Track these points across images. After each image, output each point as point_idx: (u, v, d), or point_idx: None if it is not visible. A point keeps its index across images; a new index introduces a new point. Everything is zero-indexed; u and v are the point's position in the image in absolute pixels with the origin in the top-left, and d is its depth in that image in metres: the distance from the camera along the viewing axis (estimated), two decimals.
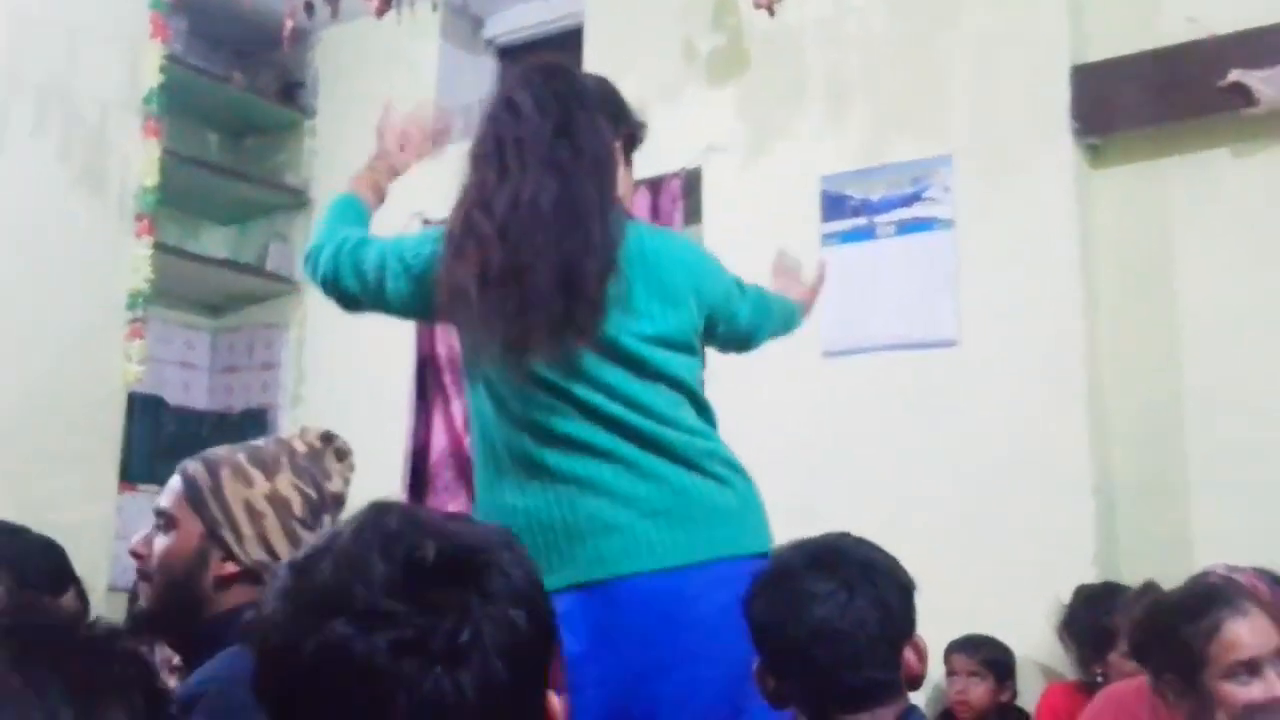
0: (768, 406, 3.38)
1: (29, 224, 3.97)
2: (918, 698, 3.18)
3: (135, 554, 1.57)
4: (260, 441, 1.59)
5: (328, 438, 1.61)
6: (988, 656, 3.03)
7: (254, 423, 4.76)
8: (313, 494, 1.54)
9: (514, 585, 0.80)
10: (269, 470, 1.52)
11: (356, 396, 4.51)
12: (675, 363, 1.86)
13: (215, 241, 5.03)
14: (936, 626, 2.99)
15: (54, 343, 3.99)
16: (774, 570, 1.56)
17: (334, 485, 1.57)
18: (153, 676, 0.79)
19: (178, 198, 4.57)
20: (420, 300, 1.87)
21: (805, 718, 1.53)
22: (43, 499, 3.72)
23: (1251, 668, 1.78)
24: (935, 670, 3.11)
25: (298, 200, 4.90)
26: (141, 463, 4.25)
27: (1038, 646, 3.07)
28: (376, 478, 4.78)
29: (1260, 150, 3.20)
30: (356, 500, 1.53)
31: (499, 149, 1.85)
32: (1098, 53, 3.38)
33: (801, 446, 3.42)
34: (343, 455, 1.61)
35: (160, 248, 4.32)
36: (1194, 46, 3.22)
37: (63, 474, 3.90)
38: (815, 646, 1.46)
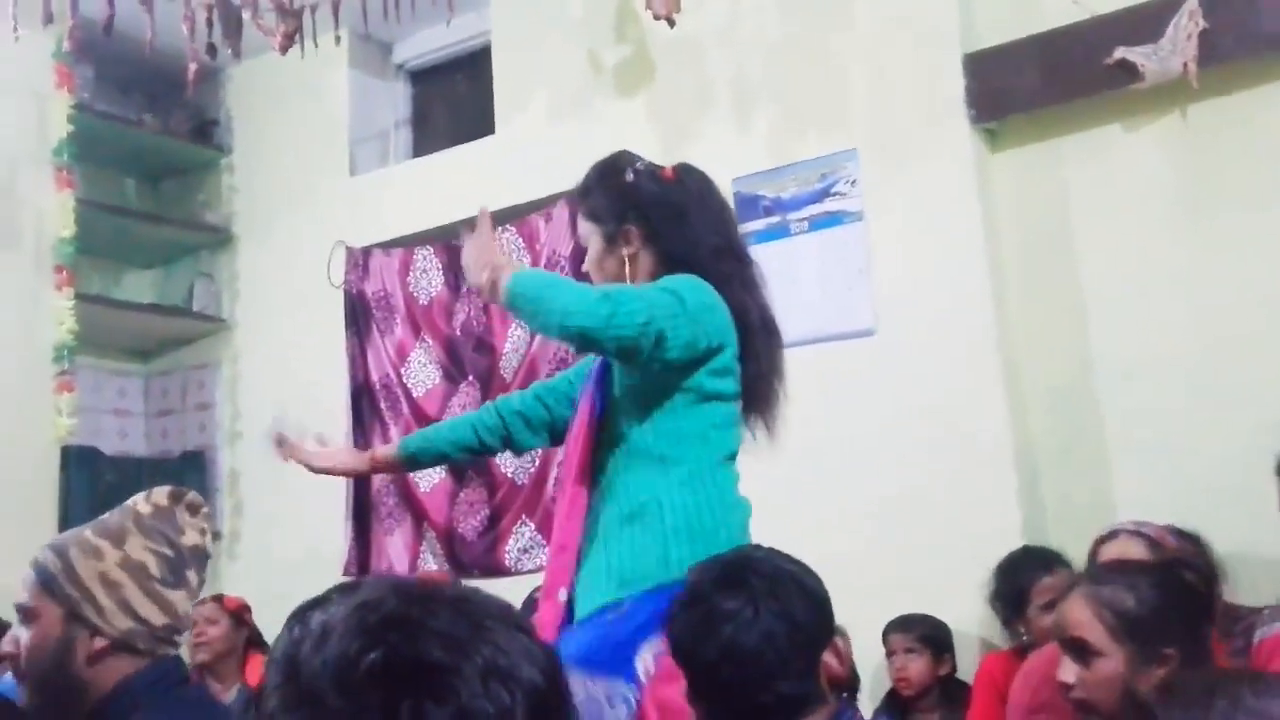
0: None
1: None
2: (863, 681, 3.26)
3: (4, 656, 1.54)
4: (105, 515, 1.58)
5: (176, 495, 1.61)
6: (923, 633, 3.10)
7: (194, 464, 4.74)
8: (168, 552, 1.54)
9: (469, 709, 0.74)
10: (117, 539, 1.52)
11: (294, 429, 4.50)
12: None
13: (140, 286, 5.01)
14: (874, 608, 3.10)
15: None
16: (687, 592, 1.54)
17: (189, 539, 1.58)
18: None
19: (98, 245, 4.56)
20: None
21: None
22: None
23: None
24: (878, 651, 3.19)
25: (220, 238, 4.90)
26: (81, 516, 4.15)
27: (974, 619, 3.15)
28: (320, 508, 4.73)
29: (1149, 123, 3.31)
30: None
31: None
32: (988, 40, 3.48)
33: None
34: (195, 509, 1.61)
35: (83, 298, 4.31)
36: (1079, 28, 3.33)
37: (1, 534, 3.87)
38: (726, 666, 1.45)
